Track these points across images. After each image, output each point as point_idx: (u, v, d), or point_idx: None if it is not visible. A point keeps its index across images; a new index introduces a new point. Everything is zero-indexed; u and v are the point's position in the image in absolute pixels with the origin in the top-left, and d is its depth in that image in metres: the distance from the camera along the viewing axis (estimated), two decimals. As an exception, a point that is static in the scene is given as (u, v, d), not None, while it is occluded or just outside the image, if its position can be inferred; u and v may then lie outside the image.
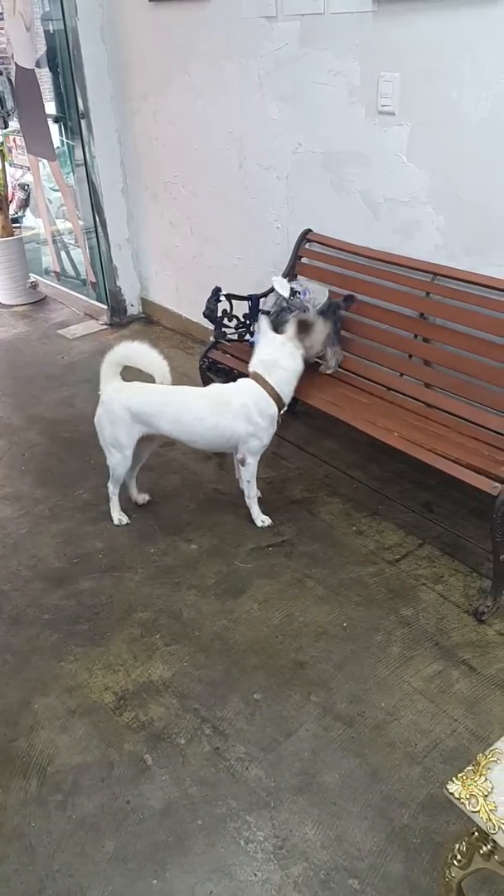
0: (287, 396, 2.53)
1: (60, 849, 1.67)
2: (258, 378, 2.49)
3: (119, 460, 2.57)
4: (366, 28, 2.57)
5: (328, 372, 2.82)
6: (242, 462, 2.58)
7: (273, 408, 2.49)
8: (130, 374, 2.58)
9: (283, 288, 2.72)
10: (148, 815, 1.74)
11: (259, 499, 2.75)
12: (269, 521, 2.67)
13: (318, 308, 2.68)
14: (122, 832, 1.70)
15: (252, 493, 2.66)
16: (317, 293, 2.73)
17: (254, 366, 2.53)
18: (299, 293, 2.70)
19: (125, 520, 2.72)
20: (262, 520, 2.66)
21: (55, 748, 1.91)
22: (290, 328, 2.53)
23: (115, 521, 2.72)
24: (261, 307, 2.95)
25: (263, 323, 2.59)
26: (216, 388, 2.61)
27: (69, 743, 1.92)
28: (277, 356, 2.51)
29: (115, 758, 1.87)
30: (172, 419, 2.47)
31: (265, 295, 3.15)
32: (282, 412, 2.55)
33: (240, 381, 2.55)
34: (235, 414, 2.46)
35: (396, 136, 2.62)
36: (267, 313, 2.88)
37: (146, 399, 2.47)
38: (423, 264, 2.65)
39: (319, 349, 2.71)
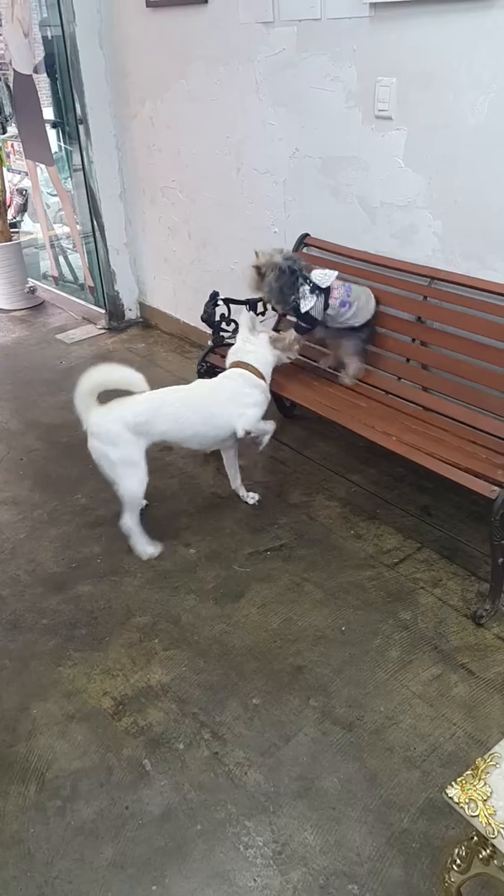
0: (266, 375, 2.64)
1: (59, 855, 1.67)
2: (236, 364, 2.62)
3: (137, 479, 2.44)
4: (362, 33, 2.58)
5: (345, 382, 2.74)
6: (256, 440, 2.67)
7: (259, 379, 2.60)
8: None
9: (323, 279, 2.61)
10: (147, 821, 1.73)
11: (259, 502, 2.79)
12: (256, 496, 2.80)
13: (365, 312, 2.62)
14: (121, 838, 1.70)
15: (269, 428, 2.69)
16: (364, 308, 2.63)
17: (228, 359, 2.66)
18: (343, 305, 2.60)
19: (158, 549, 2.58)
20: (250, 496, 2.79)
21: (54, 754, 1.90)
22: (247, 323, 2.68)
23: (147, 556, 2.55)
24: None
25: (244, 317, 2.71)
26: (202, 381, 2.69)
27: (68, 748, 1.92)
28: (243, 344, 2.66)
29: (113, 763, 1.87)
30: (170, 418, 2.46)
31: (261, 300, 3.16)
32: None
33: (223, 373, 2.66)
34: (226, 397, 2.54)
35: (393, 141, 2.62)
36: (252, 308, 2.99)
37: (137, 409, 2.42)
38: (420, 268, 2.65)
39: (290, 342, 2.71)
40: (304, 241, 3.13)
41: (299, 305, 2.62)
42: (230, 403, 2.54)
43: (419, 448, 2.29)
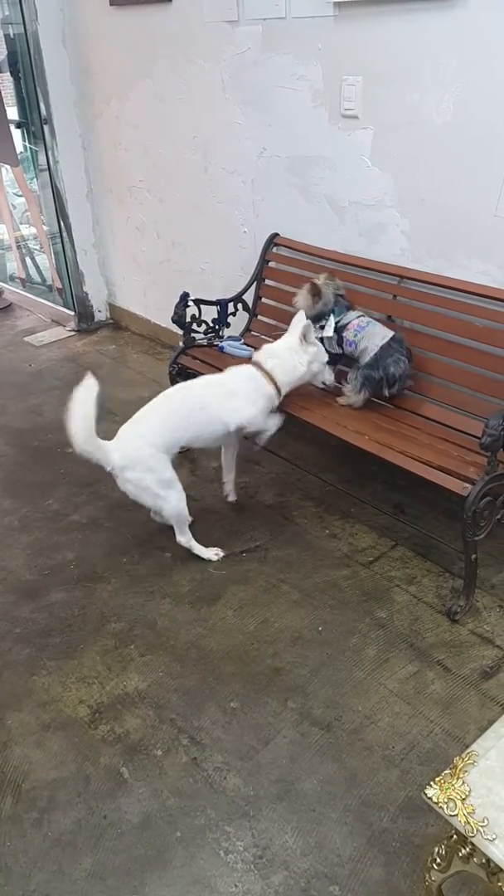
0: (282, 385, 2.50)
1: (37, 867, 1.64)
2: (256, 364, 2.50)
3: (177, 497, 2.39)
4: (327, 32, 2.58)
5: (341, 403, 2.64)
6: (259, 440, 2.59)
7: (268, 386, 2.46)
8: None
9: (327, 328, 2.60)
10: (126, 830, 1.71)
11: (236, 502, 2.77)
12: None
13: (367, 353, 2.52)
14: (100, 848, 1.68)
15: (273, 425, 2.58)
16: (370, 336, 2.53)
17: (255, 355, 2.54)
18: (349, 345, 2.57)
19: (221, 551, 2.54)
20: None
21: (30, 764, 1.87)
22: (299, 329, 2.51)
23: (214, 558, 2.52)
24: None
25: (298, 321, 2.55)
26: (208, 376, 2.56)
27: (44, 758, 1.89)
28: (278, 349, 2.53)
29: (91, 772, 1.85)
30: (188, 422, 2.38)
31: (236, 297, 3.16)
32: (278, 401, 2.52)
33: (236, 367, 2.54)
34: (225, 392, 2.43)
35: (360, 140, 2.63)
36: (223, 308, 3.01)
37: (154, 428, 2.34)
38: (389, 267, 2.67)
39: (318, 370, 2.60)
40: (273, 240, 3.13)
41: (320, 336, 2.63)
42: (226, 398, 2.43)
43: (391, 446, 2.30)
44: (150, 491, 2.35)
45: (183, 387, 2.51)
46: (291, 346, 2.52)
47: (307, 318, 2.56)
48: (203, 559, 2.52)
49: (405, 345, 2.52)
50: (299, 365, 2.52)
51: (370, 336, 2.54)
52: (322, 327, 2.62)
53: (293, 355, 2.52)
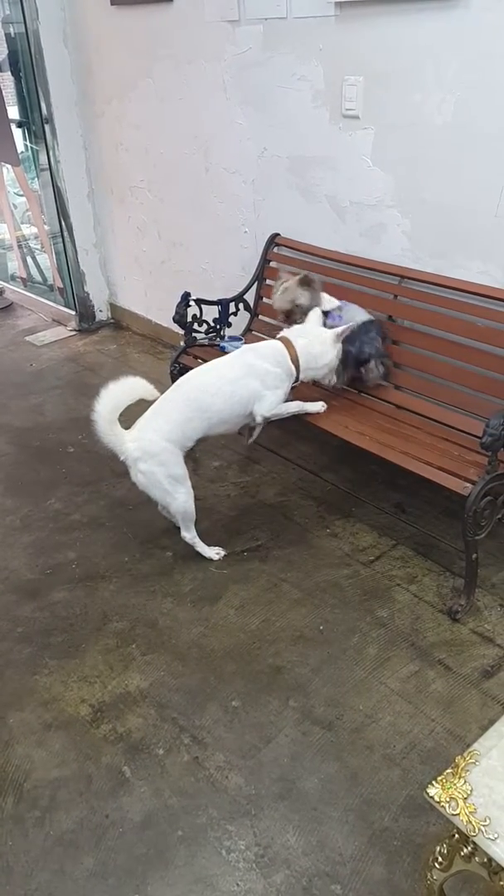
0: (303, 371, 2.45)
1: (38, 867, 1.65)
2: (285, 340, 2.45)
3: (185, 494, 2.38)
4: (328, 32, 2.58)
5: (326, 384, 2.67)
6: (260, 422, 2.51)
7: (289, 362, 2.41)
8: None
9: (329, 303, 2.65)
10: (127, 829, 1.72)
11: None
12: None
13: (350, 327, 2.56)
14: (102, 847, 1.68)
15: (293, 409, 2.51)
16: (352, 311, 2.63)
17: (286, 332, 2.50)
18: (337, 317, 2.63)
19: (222, 551, 2.55)
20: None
21: (32, 763, 1.88)
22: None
23: (215, 557, 2.52)
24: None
25: (315, 313, 2.56)
26: (215, 362, 2.50)
27: (46, 757, 1.89)
28: (313, 331, 2.47)
29: (92, 771, 1.85)
30: (203, 408, 2.35)
31: (237, 297, 3.16)
32: (296, 383, 2.49)
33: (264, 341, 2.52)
34: (244, 372, 2.38)
35: (361, 140, 2.63)
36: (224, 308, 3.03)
37: (172, 417, 2.33)
38: (390, 267, 2.67)
39: (333, 368, 2.58)
40: (274, 240, 3.13)
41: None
42: (250, 378, 2.38)
43: (392, 446, 2.31)
44: (161, 486, 2.35)
45: (197, 373, 2.45)
46: (325, 335, 2.46)
47: (306, 311, 2.59)
48: (205, 558, 2.53)
49: (382, 329, 2.59)
50: (328, 352, 2.46)
51: (351, 311, 2.63)
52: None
53: (325, 344, 2.46)
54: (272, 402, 2.42)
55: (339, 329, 2.48)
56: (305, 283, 2.63)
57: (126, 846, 1.68)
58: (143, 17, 3.40)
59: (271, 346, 2.45)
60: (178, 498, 2.38)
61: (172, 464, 2.34)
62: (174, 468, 2.35)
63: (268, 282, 3.17)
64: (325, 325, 2.61)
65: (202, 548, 2.53)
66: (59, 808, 1.77)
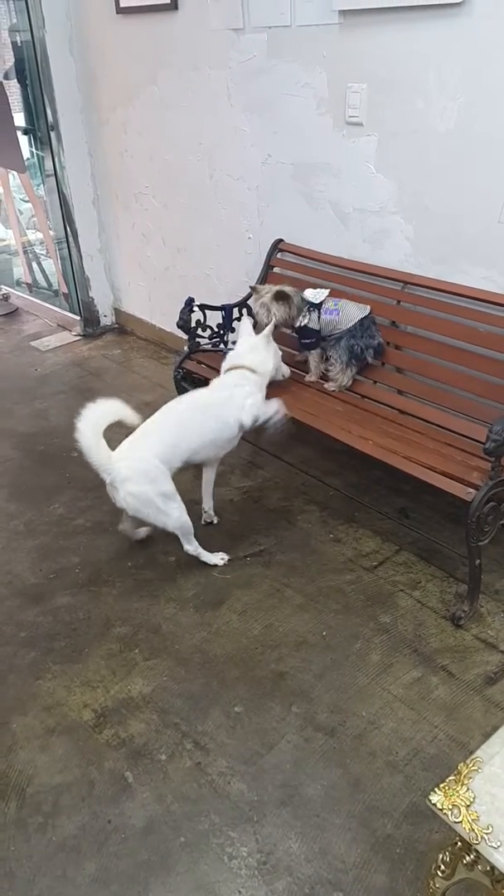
0: (263, 377, 2.58)
1: (41, 872, 1.65)
2: (234, 367, 2.55)
3: (178, 509, 2.37)
4: (332, 40, 2.60)
5: (332, 389, 2.75)
6: (266, 425, 2.55)
7: (253, 374, 2.53)
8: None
9: (314, 296, 2.72)
10: (130, 835, 1.71)
11: (216, 523, 2.77)
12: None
13: (347, 322, 2.65)
14: (104, 853, 1.68)
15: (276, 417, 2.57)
16: (350, 313, 2.66)
17: (226, 364, 2.60)
18: (333, 311, 2.68)
19: (226, 556, 2.55)
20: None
21: (34, 768, 1.88)
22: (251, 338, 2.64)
23: (220, 562, 2.53)
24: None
25: (245, 324, 2.71)
26: (198, 391, 2.58)
27: (48, 762, 1.89)
28: (246, 349, 2.59)
29: (95, 776, 1.85)
30: (190, 433, 2.40)
31: (241, 303, 3.17)
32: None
33: (219, 377, 2.60)
34: (226, 397, 2.46)
35: (364, 147, 2.64)
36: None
37: (161, 437, 2.36)
38: (393, 273, 2.67)
39: (276, 366, 2.69)
40: (278, 246, 3.14)
41: (302, 324, 2.74)
42: (229, 405, 2.46)
43: (395, 451, 2.31)
44: (153, 504, 2.32)
45: (184, 399, 2.53)
46: (257, 344, 2.60)
47: (293, 320, 2.74)
48: (204, 564, 2.52)
49: (375, 321, 2.67)
50: (268, 359, 2.60)
51: (347, 308, 2.67)
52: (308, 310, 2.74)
53: (261, 352, 2.59)
54: (254, 406, 2.48)
55: (266, 331, 2.60)
56: (280, 297, 2.69)
57: (128, 852, 1.68)
58: (148, 24, 3.42)
59: (240, 374, 2.53)
60: (173, 514, 2.36)
61: (162, 481, 2.31)
62: (165, 485, 2.32)
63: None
64: (318, 319, 2.71)
65: (207, 557, 2.52)
66: (62, 813, 1.77)
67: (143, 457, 2.30)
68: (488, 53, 2.17)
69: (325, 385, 2.77)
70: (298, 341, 2.84)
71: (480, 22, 2.16)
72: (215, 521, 2.76)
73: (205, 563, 2.53)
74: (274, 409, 2.54)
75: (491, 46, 2.16)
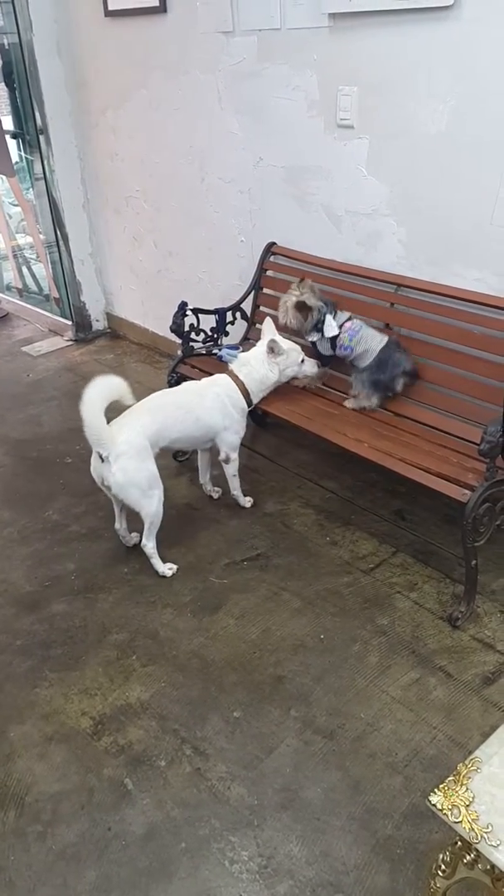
0: (254, 395, 2.65)
1: (41, 882, 1.64)
2: (231, 373, 2.62)
3: (159, 496, 2.41)
4: (322, 42, 2.60)
5: (350, 407, 2.68)
6: (226, 460, 2.69)
7: (242, 401, 2.61)
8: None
9: (329, 329, 2.65)
10: (130, 841, 1.71)
11: (220, 496, 2.84)
12: (251, 500, 2.83)
13: (368, 356, 2.59)
14: (104, 860, 1.67)
15: (237, 486, 2.79)
16: (366, 349, 2.59)
17: (232, 364, 2.66)
18: (346, 347, 2.63)
19: (175, 566, 2.54)
20: (247, 500, 2.83)
21: (33, 777, 1.87)
22: (263, 343, 2.64)
23: (168, 573, 2.51)
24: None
25: (268, 324, 2.72)
26: (191, 383, 2.69)
27: (47, 771, 1.88)
28: (251, 357, 2.64)
29: (94, 784, 1.84)
30: (177, 420, 2.50)
31: (234, 306, 3.17)
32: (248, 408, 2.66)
33: (215, 375, 2.67)
34: (211, 404, 2.57)
35: (356, 150, 2.65)
36: (221, 318, 3.08)
37: (151, 418, 2.42)
38: (386, 275, 2.68)
39: (294, 373, 2.68)
40: (270, 249, 3.14)
41: (313, 341, 2.73)
42: (215, 411, 2.58)
43: (391, 454, 2.31)
44: (140, 486, 2.36)
45: (174, 390, 2.66)
46: (260, 356, 2.63)
47: (305, 332, 2.68)
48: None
49: (401, 344, 2.59)
50: (270, 374, 2.63)
51: (366, 339, 2.60)
52: (320, 330, 2.66)
53: (263, 365, 2.62)
54: (235, 442, 2.66)
55: (265, 346, 2.60)
56: (300, 307, 2.65)
57: (129, 859, 1.67)
58: (137, 28, 3.42)
59: (226, 386, 2.60)
60: (154, 498, 2.40)
61: (150, 464, 2.39)
62: (151, 467, 2.39)
63: (264, 290, 3.19)
64: (336, 343, 2.66)
65: (157, 561, 2.51)
66: (61, 821, 1.76)
67: (136, 434, 2.35)
68: (478, 56, 2.18)
69: (345, 403, 2.70)
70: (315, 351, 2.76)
71: (470, 25, 2.17)
72: (215, 497, 2.89)
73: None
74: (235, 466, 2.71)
75: (480, 49, 2.17)
